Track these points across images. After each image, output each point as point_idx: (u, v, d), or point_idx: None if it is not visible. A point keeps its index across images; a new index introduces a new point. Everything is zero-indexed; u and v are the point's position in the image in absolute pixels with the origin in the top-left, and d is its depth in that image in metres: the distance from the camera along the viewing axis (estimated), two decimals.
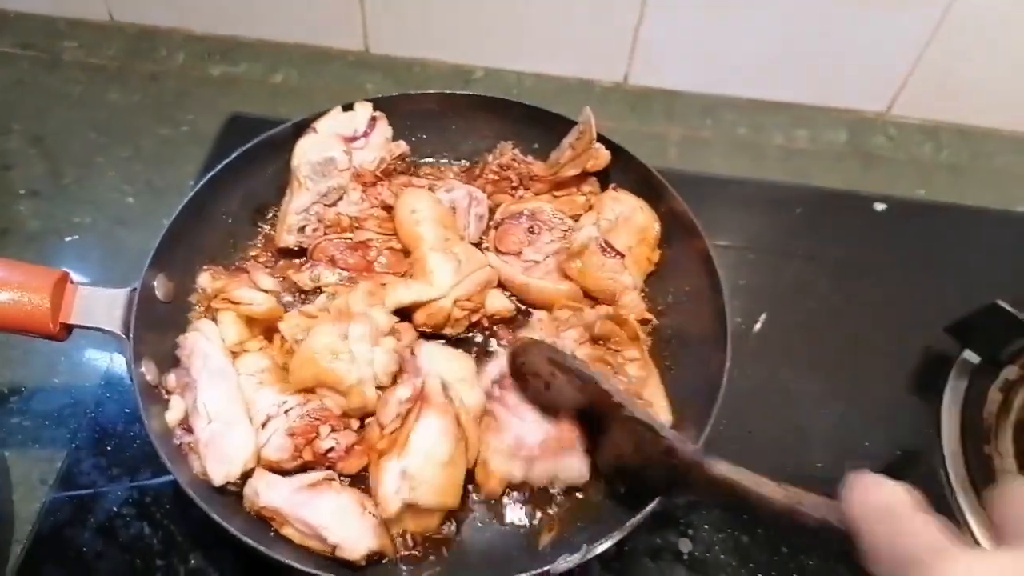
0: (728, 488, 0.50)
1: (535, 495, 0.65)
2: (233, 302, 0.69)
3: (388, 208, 0.75)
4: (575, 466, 0.63)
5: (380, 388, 0.63)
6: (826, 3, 0.92)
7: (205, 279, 0.72)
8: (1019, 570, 0.32)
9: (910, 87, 0.99)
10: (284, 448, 0.61)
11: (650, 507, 0.56)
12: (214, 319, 0.69)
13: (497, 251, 0.75)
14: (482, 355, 0.72)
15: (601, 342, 0.68)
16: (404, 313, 0.70)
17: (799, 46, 0.97)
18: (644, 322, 0.72)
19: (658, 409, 0.66)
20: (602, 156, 0.77)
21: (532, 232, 0.75)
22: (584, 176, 0.79)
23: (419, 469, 0.58)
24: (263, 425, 0.62)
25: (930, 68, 0.96)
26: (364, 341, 0.62)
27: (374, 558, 0.59)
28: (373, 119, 0.77)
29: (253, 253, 0.78)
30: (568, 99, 1.02)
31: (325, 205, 0.74)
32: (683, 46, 0.99)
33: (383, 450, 0.59)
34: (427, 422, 0.59)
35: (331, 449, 0.62)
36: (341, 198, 0.75)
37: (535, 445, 0.63)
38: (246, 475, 0.61)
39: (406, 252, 0.74)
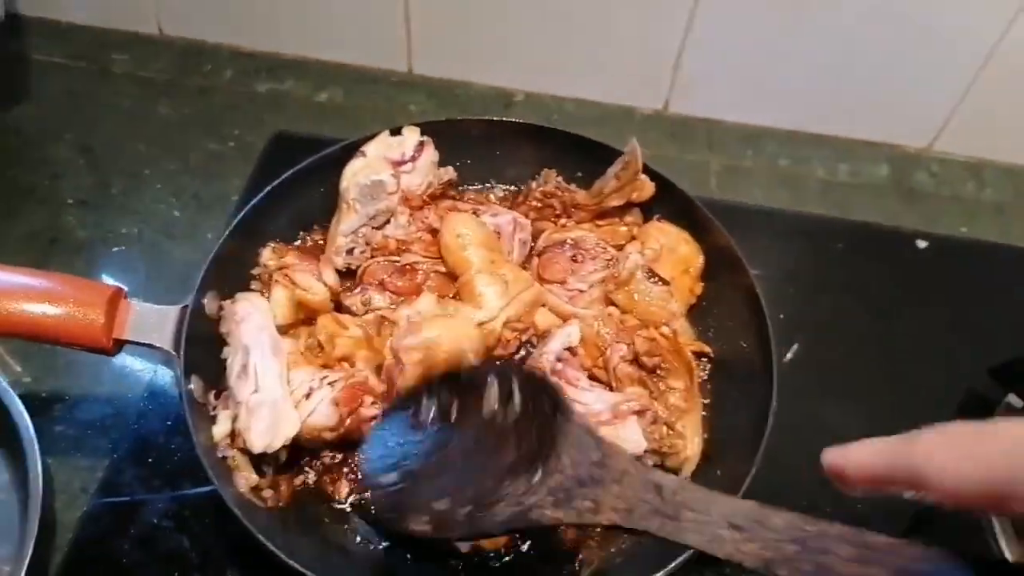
0: None
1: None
2: (293, 282, 0.71)
3: (434, 232, 0.76)
4: (632, 435, 0.64)
5: None
6: (871, 37, 0.92)
7: (267, 254, 0.75)
8: None
9: (954, 123, 0.98)
10: (331, 415, 0.64)
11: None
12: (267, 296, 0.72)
13: (541, 279, 0.75)
14: None
15: (646, 367, 0.69)
16: None
17: (842, 79, 0.97)
18: (700, 354, 0.72)
19: (689, 443, 0.66)
20: (647, 188, 0.77)
21: (576, 261, 0.76)
22: (628, 207, 0.79)
23: None
24: (307, 396, 0.64)
25: (975, 105, 0.95)
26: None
27: None
28: (421, 144, 0.77)
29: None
30: (608, 125, 1.02)
31: (373, 228, 0.75)
32: (725, 75, 1.00)
33: None
34: None
35: (374, 417, 0.64)
36: (388, 221, 0.76)
37: (600, 412, 0.65)
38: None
39: (453, 276, 0.74)
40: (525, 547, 0.64)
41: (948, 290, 0.87)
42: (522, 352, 0.73)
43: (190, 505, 0.70)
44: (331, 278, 0.74)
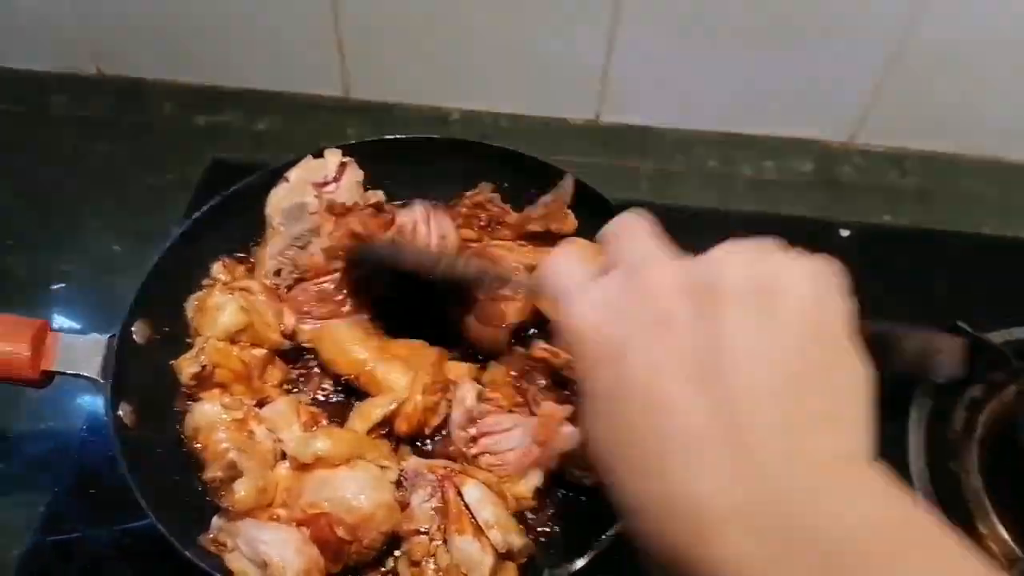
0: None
1: None
2: (255, 309, 0.72)
3: (359, 237, 0.76)
4: (569, 436, 0.63)
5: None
6: (787, 35, 0.95)
7: (217, 268, 0.76)
8: (614, 285, 0.34)
9: (873, 116, 1.01)
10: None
11: (613, 530, 0.57)
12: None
13: None
14: None
15: (566, 386, 0.69)
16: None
17: (764, 79, 1.00)
18: None
19: None
20: (568, 223, 0.79)
21: None
22: (552, 236, 0.80)
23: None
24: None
25: (892, 96, 0.99)
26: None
27: None
28: (343, 164, 0.79)
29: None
30: (543, 138, 1.05)
31: (299, 248, 0.77)
32: (652, 83, 1.03)
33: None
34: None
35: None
36: (312, 242, 0.77)
37: (530, 446, 0.64)
38: None
39: (357, 382, 0.71)
40: None
41: (871, 275, 0.89)
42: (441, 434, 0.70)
43: (133, 535, 0.70)
44: (290, 321, 0.74)
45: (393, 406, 0.66)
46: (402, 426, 0.67)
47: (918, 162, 1.04)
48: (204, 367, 0.66)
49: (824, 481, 0.28)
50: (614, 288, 0.34)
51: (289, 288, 0.77)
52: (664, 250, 0.35)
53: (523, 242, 0.81)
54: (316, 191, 0.76)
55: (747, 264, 0.32)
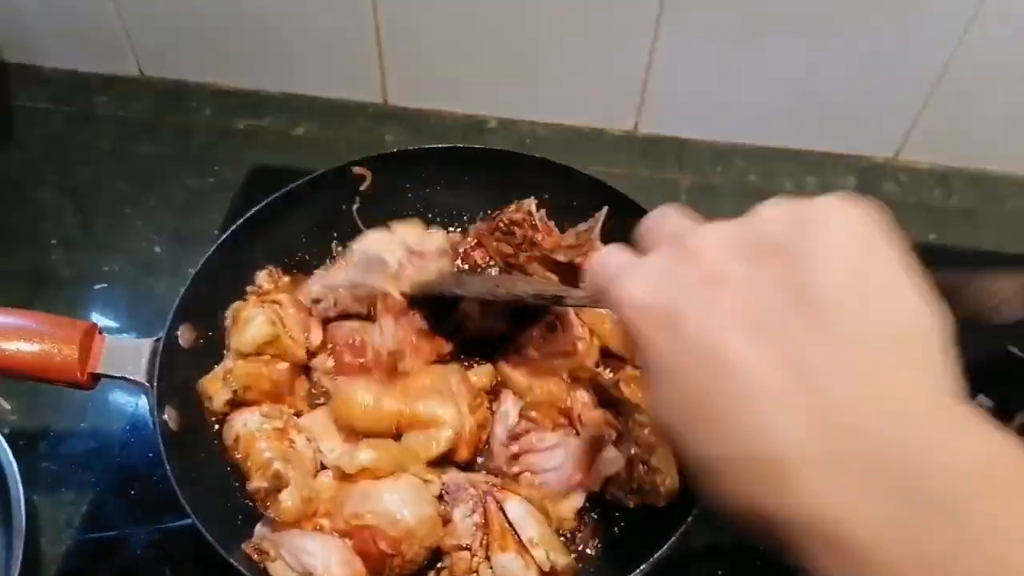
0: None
1: None
2: (282, 322, 0.71)
3: (421, 333, 0.75)
4: (613, 459, 0.63)
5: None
6: (834, 49, 0.94)
7: (263, 276, 0.76)
8: (660, 257, 0.35)
9: (918, 133, 1.00)
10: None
11: (659, 553, 0.57)
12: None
13: None
14: None
15: (612, 406, 0.68)
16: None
17: (808, 93, 0.99)
18: None
19: (668, 476, 0.64)
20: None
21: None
22: (575, 269, 0.78)
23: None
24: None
25: (938, 114, 0.97)
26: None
27: None
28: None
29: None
30: (580, 148, 1.04)
31: (352, 294, 0.75)
32: (692, 94, 1.02)
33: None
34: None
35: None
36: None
37: (573, 469, 0.64)
38: None
39: (397, 436, 0.68)
40: None
41: None
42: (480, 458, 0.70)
43: (172, 536, 0.71)
44: (316, 337, 0.74)
45: (452, 437, 0.64)
46: (464, 453, 0.66)
47: (963, 180, 1.02)
48: (235, 391, 0.67)
49: (907, 419, 0.28)
50: (661, 259, 0.34)
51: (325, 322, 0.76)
52: (707, 221, 0.35)
53: (548, 272, 0.80)
54: (406, 256, 0.74)
55: (792, 208, 0.32)
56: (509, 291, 0.65)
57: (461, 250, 0.79)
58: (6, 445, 0.68)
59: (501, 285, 0.67)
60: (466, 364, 0.75)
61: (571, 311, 0.73)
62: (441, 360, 0.74)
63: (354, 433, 0.66)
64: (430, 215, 0.86)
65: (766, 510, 0.29)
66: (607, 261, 0.37)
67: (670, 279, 0.33)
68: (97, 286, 0.91)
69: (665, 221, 0.37)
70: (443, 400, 0.66)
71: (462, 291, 0.69)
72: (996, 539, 0.25)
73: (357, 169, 0.81)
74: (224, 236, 0.75)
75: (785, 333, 0.29)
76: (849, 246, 0.31)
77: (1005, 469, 0.27)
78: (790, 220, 0.32)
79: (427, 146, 0.84)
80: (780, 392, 0.29)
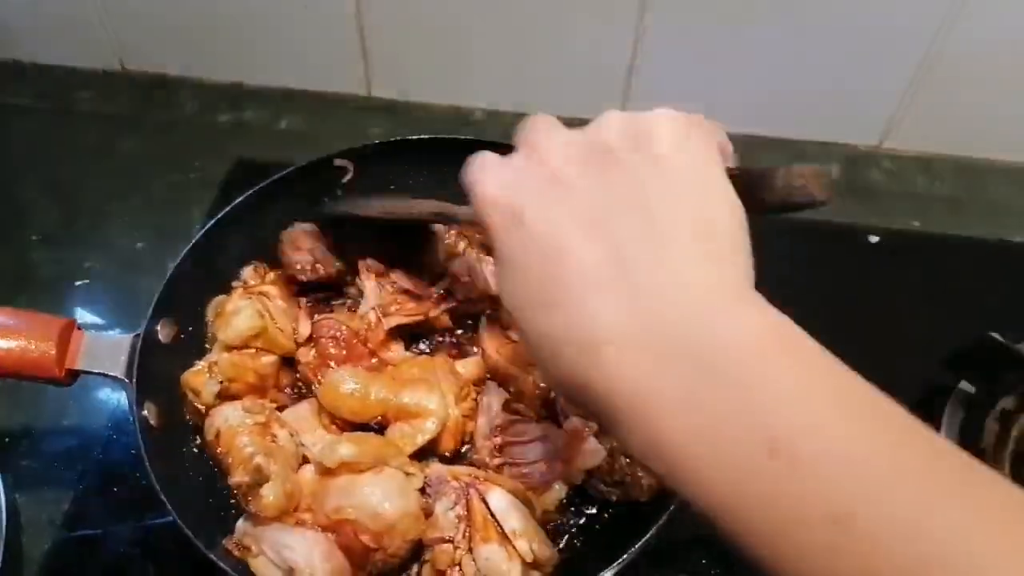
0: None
1: None
2: (270, 314, 0.70)
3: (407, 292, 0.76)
4: (594, 451, 0.63)
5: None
6: (817, 37, 0.93)
7: (248, 272, 0.75)
8: (515, 162, 0.39)
9: (903, 120, 1.00)
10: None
11: (641, 542, 0.57)
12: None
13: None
14: None
15: None
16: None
17: (791, 82, 0.98)
18: None
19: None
20: None
21: None
22: None
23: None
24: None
25: (922, 101, 0.97)
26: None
27: None
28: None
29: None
30: None
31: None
32: (676, 84, 1.01)
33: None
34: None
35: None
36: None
37: (555, 460, 0.64)
38: None
39: (384, 424, 0.68)
40: None
41: (900, 283, 0.89)
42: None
43: (155, 533, 0.70)
44: (305, 329, 0.73)
45: (436, 426, 0.64)
46: (448, 444, 0.66)
47: (948, 168, 1.02)
48: (221, 383, 0.66)
49: (702, 305, 0.32)
50: (516, 162, 0.38)
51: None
52: (562, 128, 0.39)
53: None
54: None
55: (626, 121, 0.37)
56: (407, 211, 0.70)
57: (445, 240, 0.78)
58: None
59: (398, 205, 0.71)
60: (454, 354, 0.75)
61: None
62: (429, 325, 0.75)
63: (339, 423, 0.66)
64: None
65: (585, 384, 0.33)
66: (475, 162, 0.40)
67: (520, 179, 0.37)
68: (79, 283, 0.90)
69: (531, 127, 0.40)
70: (429, 389, 0.66)
71: (361, 212, 0.73)
72: (765, 396, 0.30)
73: (339, 161, 0.81)
74: (202, 231, 0.74)
75: (614, 231, 0.34)
76: (672, 156, 0.35)
77: (776, 339, 0.32)
78: (626, 129, 0.37)
79: (409, 137, 0.83)
80: (604, 282, 0.33)
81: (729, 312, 0.32)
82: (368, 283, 0.74)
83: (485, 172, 0.39)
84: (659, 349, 0.31)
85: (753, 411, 0.30)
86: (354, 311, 0.74)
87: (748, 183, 0.37)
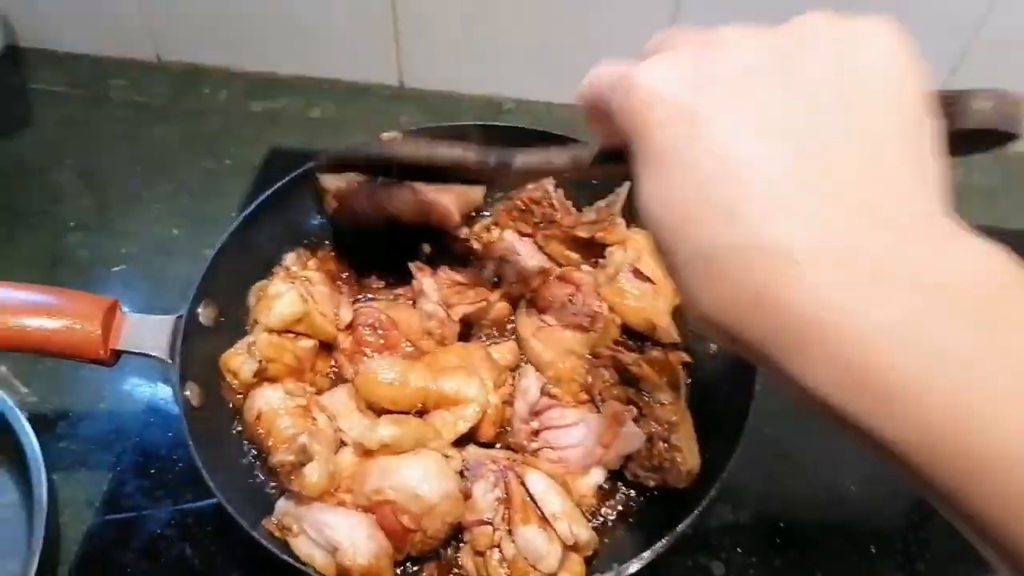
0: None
1: None
2: (312, 299, 0.70)
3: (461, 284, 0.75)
4: (633, 435, 0.63)
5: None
6: None
7: (291, 258, 0.75)
8: (685, 52, 0.34)
9: None
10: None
11: (680, 528, 0.56)
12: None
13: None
14: None
15: (633, 384, 0.67)
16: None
17: None
18: (685, 365, 0.69)
19: (688, 455, 0.64)
20: (615, 233, 0.76)
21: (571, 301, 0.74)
22: (596, 246, 0.77)
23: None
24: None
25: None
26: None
27: None
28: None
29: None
30: None
31: None
32: None
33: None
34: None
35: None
36: None
37: (593, 445, 0.64)
38: None
39: (423, 412, 0.68)
40: None
41: None
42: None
43: (193, 514, 0.71)
44: (347, 315, 0.73)
45: (478, 413, 0.64)
46: (488, 431, 0.66)
47: (986, 159, 1.00)
48: (260, 362, 0.66)
49: (923, 229, 0.29)
50: (687, 53, 0.33)
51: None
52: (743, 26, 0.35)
53: (569, 252, 0.79)
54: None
55: (828, 21, 0.33)
56: (446, 156, 0.58)
57: (481, 228, 0.78)
58: (28, 427, 0.68)
59: (437, 149, 0.59)
60: (489, 343, 0.75)
61: (590, 285, 0.73)
62: (481, 313, 0.74)
63: (376, 410, 0.66)
64: None
65: (769, 302, 0.29)
66: (612, 64, 0.37)
67: (699, 73, 0.32)
68: (115, 268, 0.91)
69: (680, 32, 0.36)
70: (468, 376, 0.66)
71: (391, 154, 0.65)
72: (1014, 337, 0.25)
73: (386, 135, 0.80)
74: (244, 214, 0.74)
75: (803, 134, 0.30)
76: (883, 66, 0.32)
77: (1011, 275, 0.27)
78: (829, 30, 0.33)
79: (444, 124, 0.83)
80: (793, 186, 0.29)
81: (941, 242, 0.28)
82: (426, 280, 0.72)
83: (648, 62, 0.34)
84: (874, 271, 0.27)
85: (1012, 355, 0.25)
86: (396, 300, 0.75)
87: (948, 104, 0.34)
